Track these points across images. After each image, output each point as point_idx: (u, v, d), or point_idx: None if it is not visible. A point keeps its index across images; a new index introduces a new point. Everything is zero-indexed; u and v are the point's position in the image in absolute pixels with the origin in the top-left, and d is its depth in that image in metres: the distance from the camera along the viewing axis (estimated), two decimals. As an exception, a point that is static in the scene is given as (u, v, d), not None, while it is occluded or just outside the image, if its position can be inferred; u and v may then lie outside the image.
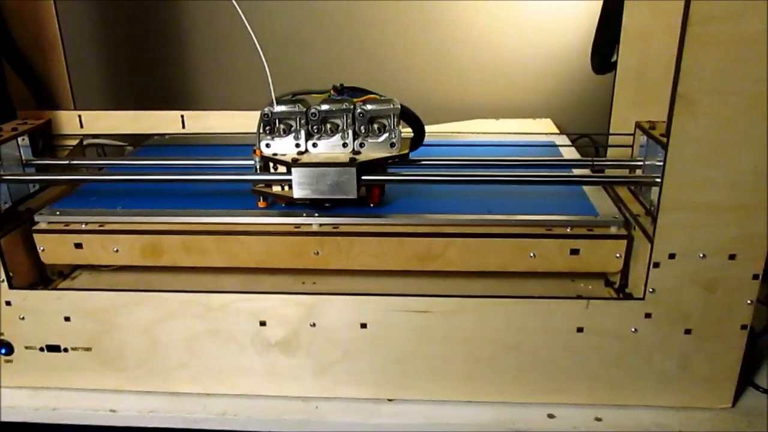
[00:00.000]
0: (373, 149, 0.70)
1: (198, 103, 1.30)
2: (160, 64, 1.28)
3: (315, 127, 0.70)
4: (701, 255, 0.62)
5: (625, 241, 0.67)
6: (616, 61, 0.79)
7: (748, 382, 0.71)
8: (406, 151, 0.72)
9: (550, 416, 0.68)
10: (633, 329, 0.65)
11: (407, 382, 0.69)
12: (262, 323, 0.68)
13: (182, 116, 0.76)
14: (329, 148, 0.71)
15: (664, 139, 0.59)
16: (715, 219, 0.60)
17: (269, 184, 0.73)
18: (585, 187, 0.78)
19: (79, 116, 0.79)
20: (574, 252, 0.67)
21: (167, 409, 0.70)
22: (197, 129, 0.76)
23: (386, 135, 0.70)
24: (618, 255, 0.67)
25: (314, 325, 0.67)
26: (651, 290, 0.63)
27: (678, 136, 0.58)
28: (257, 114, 0.71)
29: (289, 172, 0.69)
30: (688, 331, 0.65)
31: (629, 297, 0.68)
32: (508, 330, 0.66)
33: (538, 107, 1.26)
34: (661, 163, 0.60)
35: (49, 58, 0.90)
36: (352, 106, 0.69)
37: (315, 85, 0.71)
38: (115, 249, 0.71)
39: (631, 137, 0.79)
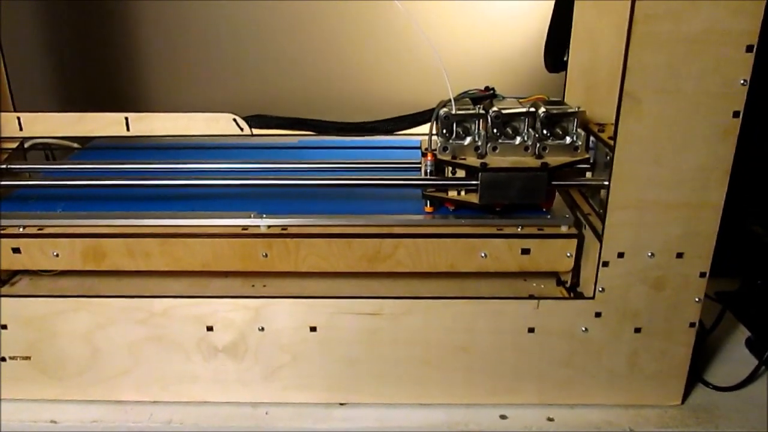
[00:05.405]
0: (558, 153, 0.67)
1: (142, 104, 1.26)
2: (104, 64, 1.24)
3: (496, 130, 0.67)
4: (649, 254, 0.62)
5: (575, 240, 0.67)
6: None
7: (698, 379, 0.72)
8: (587, 156, 0.69)
9: (503, 417, 0.67)
10: (583, 328, 0.65)
11: (358, 385, 0.68)
12: (209, 328, 0.66)
13: (126, 118, 0.74)
14: (510, 151, 0.67)
15: (612, 142, 0.59)
16: (662, 217, 0.60)
17: (442, 188, 0.70)
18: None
19: (18, 118, 0.76)
20: (525, 252, 0.67)
21: (111, 418, 0.68)
22: (141, 131, 0.74)
23: (569, 138, 0.67)
24: (568, 254, 0.67)
25: (263, 329, 0.66)
26: (601, 289, 0.63)
27: (625, 135, 0.58)
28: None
29: (473, 177, 0.67)
30: (637, 330, 0.65)
31: (580, 296, 0.68)
32: (458, 331, 0.65)
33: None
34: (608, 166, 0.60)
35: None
36: (532, 109, 0.66)
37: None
38: (54, 253, 0.68)
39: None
